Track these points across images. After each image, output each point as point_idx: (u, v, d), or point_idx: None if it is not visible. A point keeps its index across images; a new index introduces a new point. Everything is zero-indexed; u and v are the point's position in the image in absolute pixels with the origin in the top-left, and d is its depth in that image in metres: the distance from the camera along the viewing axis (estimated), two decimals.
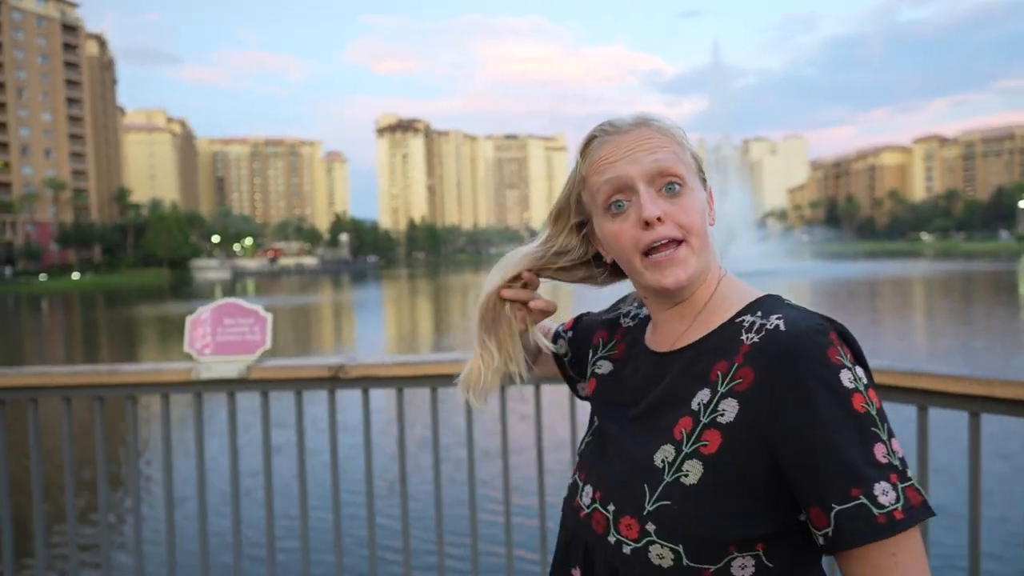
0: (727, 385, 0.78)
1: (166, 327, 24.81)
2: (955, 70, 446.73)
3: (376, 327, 23.44)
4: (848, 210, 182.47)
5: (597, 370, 1.01)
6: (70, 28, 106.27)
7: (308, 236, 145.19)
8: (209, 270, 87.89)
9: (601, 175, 0.86)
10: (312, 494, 2.80)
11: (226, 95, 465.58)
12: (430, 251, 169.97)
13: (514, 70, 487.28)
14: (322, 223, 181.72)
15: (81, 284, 71.99)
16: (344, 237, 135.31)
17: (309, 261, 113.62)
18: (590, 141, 0.90)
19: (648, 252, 0.83)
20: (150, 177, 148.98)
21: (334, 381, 2.17)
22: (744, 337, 0.79)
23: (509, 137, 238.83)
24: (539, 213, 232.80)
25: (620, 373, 0.96)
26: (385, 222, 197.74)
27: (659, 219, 0.82)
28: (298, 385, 2.22)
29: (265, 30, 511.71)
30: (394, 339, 18.81)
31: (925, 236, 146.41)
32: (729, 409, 0.76)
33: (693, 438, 0.78)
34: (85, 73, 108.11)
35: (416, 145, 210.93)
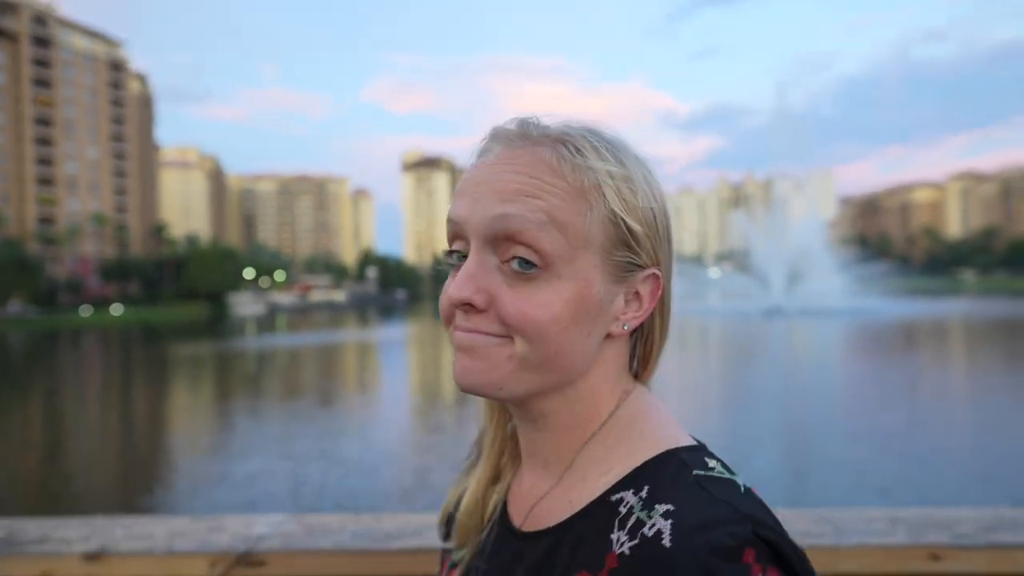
0: None
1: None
2: (974, 106, 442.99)
3: (400, 372, 23.18)
4: (881, 247, 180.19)
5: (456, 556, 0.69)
6: (116, 66, 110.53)
7: (336, 271, 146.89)
8: (244, 305, 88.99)
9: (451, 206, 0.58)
10: None
11: (249, 131, 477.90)
12: None
13: (531, 107, 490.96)
14: (348, 257, 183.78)
15: (122, 319, 73.23)
16: (371, 272, 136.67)
17: (338, 296, 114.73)
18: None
19: (451, 321, 0.57)
20: (184, 212, 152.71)
21: None
22: (614, 537, 0.50)
23: None
24: None
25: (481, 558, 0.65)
26: (410, 257, 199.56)
27: (469, 304, 0.54)
28: None
29: (284, 68, 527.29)
30: (416, 389, 18.56)
31: (966, 273, 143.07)
32: None
33: None
34: (129, 110, 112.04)
35: (441, 181, 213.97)
